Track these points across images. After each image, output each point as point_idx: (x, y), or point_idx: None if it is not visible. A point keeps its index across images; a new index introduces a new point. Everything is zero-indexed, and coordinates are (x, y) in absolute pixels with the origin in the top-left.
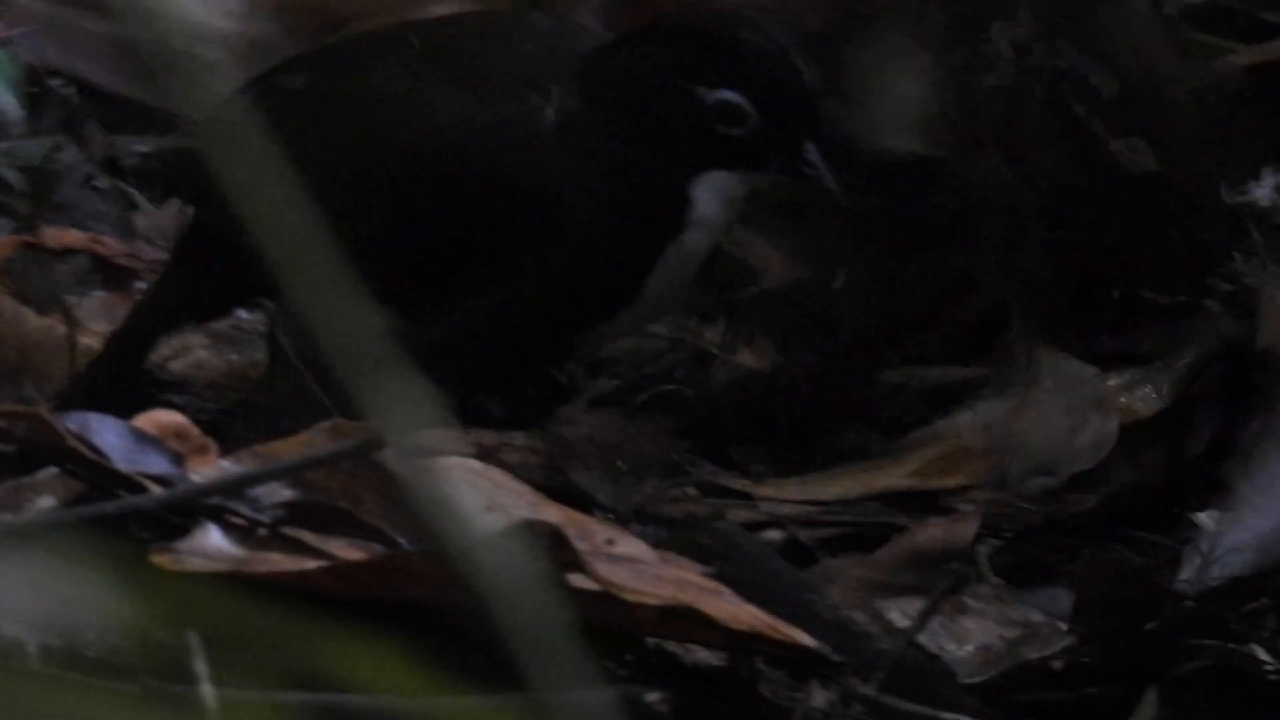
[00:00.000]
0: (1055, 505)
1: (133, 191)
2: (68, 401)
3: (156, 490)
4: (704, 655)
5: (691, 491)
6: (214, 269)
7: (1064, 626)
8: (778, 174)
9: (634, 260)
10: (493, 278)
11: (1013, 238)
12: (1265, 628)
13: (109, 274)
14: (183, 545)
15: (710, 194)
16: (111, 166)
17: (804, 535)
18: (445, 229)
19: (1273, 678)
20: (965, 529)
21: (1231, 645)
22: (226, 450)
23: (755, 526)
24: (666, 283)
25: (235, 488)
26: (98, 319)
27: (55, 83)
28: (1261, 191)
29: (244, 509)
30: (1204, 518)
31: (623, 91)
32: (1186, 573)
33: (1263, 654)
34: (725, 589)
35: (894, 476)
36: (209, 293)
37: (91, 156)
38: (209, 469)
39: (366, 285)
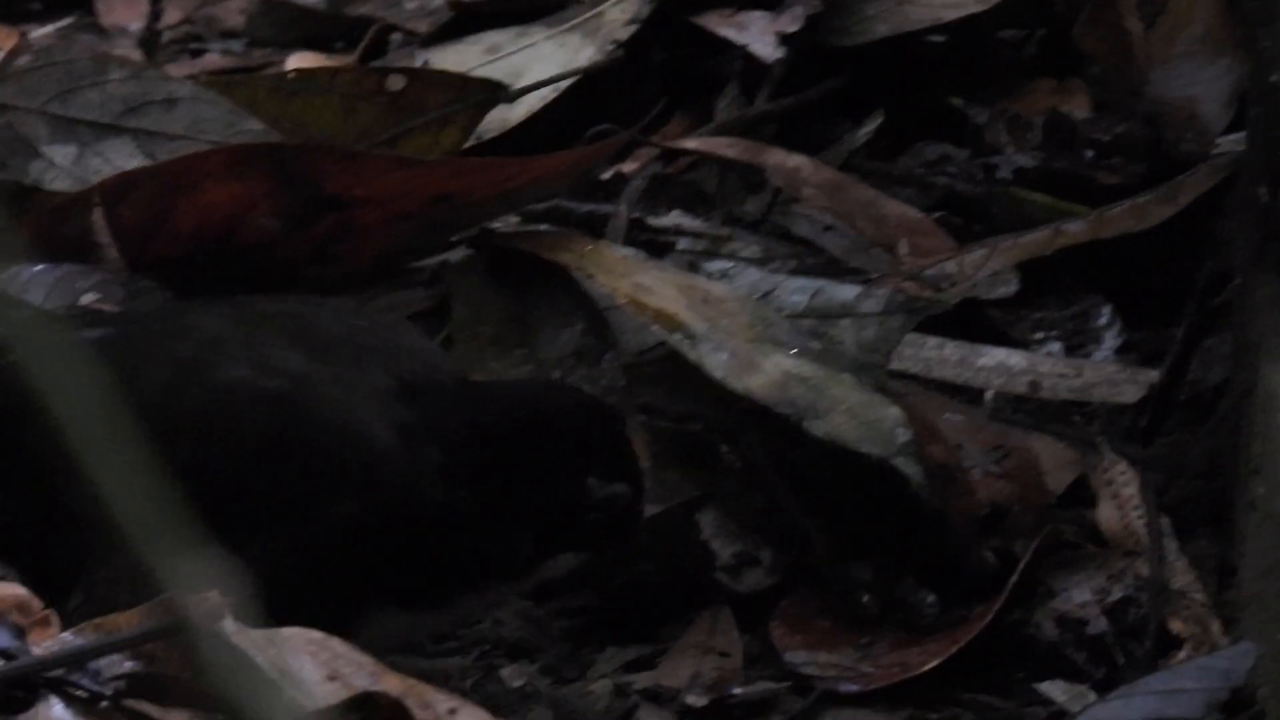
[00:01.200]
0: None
1: None
2: None
3: None
4: None
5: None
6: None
7: None
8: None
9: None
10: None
11: None
12: None
13: None
14: (25, 719)
15: None
16: None
17: None
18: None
19: None
20: None
21: None
22: (68, 623)
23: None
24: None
25: (77, 661)
26: None
27: None
28: None
29: (86, 682)
30: (1050, 687)
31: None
32: None
33: None
34: None
35: None
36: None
37: None
38: (50, 642)
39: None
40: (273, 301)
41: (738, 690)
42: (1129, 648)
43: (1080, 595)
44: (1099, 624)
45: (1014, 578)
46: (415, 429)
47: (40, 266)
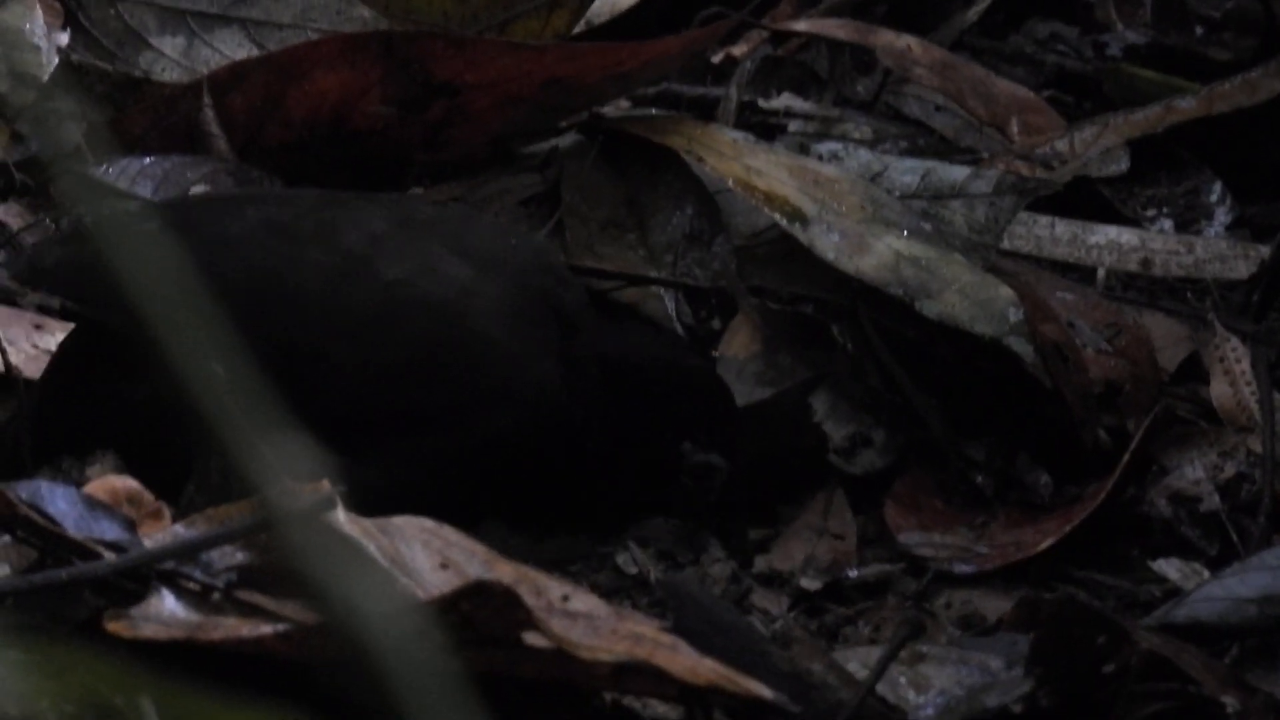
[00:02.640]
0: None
1: None
2: None
3: (109, 556)
4: (662, 710)
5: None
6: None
7: (1022, 672)
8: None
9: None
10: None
11: None
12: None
13: None
14: (137, 611)
15: None
16: None
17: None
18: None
19: None
20: None
21: (1191, 688)
22: (179, 514)
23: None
24: None
25: (188, 552)
26: None
27: None
28: None
29: (198, 574)
30: (1164, 564)
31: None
32: (1151, 618)
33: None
34: (681, 642)
35: None
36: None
37: None
38: (162, 534)
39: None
40: (427, 206)
41: (852, 573)
42: (1242, 524)
43: (1193, 472)
44: (1212, 500)
45: (1126, 456)
46: (563, 358)
47: (149, 159)
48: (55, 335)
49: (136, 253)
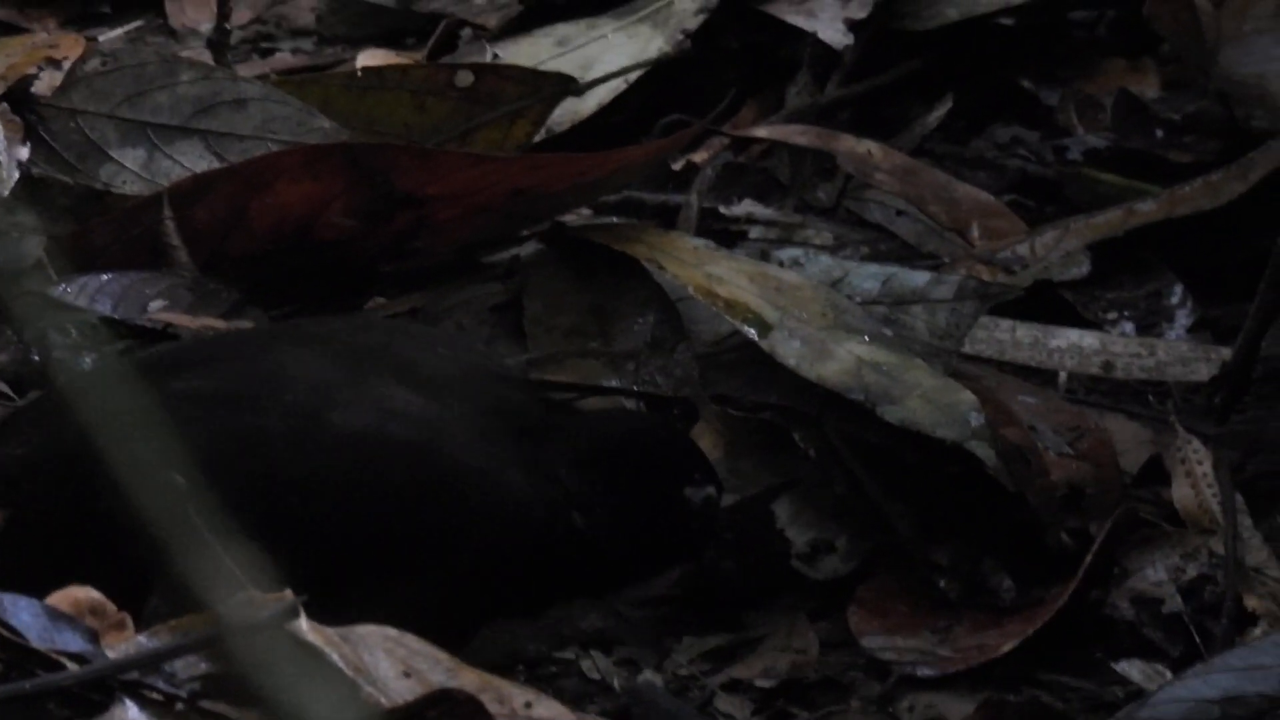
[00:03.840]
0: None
1: None
2: None
3: (73, 668)
4: None
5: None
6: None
7: None
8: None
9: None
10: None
11: None
12: None
13: None
14: None
15: None
16: None
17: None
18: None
19: None
20: None
21: None
22: (143, 625)
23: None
24: None
25: (152, 662)
26: None
27: None
28: None
29: (161, 684)
30: (1127, 666)
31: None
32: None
33: None
34: None
35: None
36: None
37: None
38: (125, 645)
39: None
40: (375, 332)
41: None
42: (1205, 626)
43: (1156, 574)
44: (1175, 602)
45: (1089, 558)
46: (535, 463)
47: (108, 275)
48: None
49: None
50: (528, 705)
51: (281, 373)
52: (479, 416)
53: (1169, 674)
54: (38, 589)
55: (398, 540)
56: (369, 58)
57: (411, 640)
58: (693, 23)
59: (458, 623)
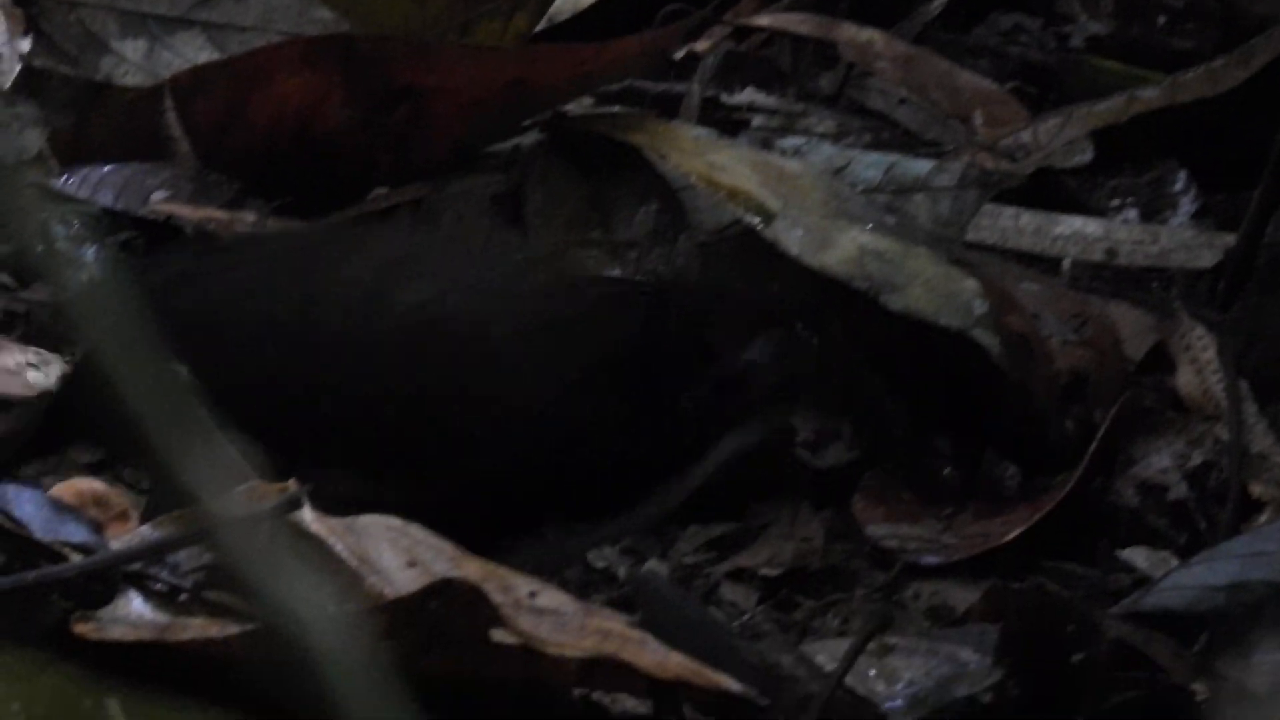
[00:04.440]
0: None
1: None
2: None
3: (77, 559)
4: (631, 705)
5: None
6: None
7: (991, 662)
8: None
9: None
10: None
11: None
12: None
13: None
14: (104, 613)
15: None
16: None
17: None
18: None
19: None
20: None
21: (1160, 677)
22: (147, 516)
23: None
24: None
25: (156, 553)
26: None
27: None
28: None
29: (165, 575)
30: (1132, 554)
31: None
32: (1119, 606)
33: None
34: (650, 638)
35: None
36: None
37: None
38: (129, 535)
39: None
40: (379, 229)
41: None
42: (1210, 512)
43: (1160, 461)
44: (1180, 489)
45: (1094, 445)
46: (586, 347)
47: (109, 167)
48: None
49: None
50: (532, 595)
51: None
52: (535, 302)
53: (1174, 561)
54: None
55: (451, 416)
56: None
57: (415, 530)
58: None
59: (523, 514)
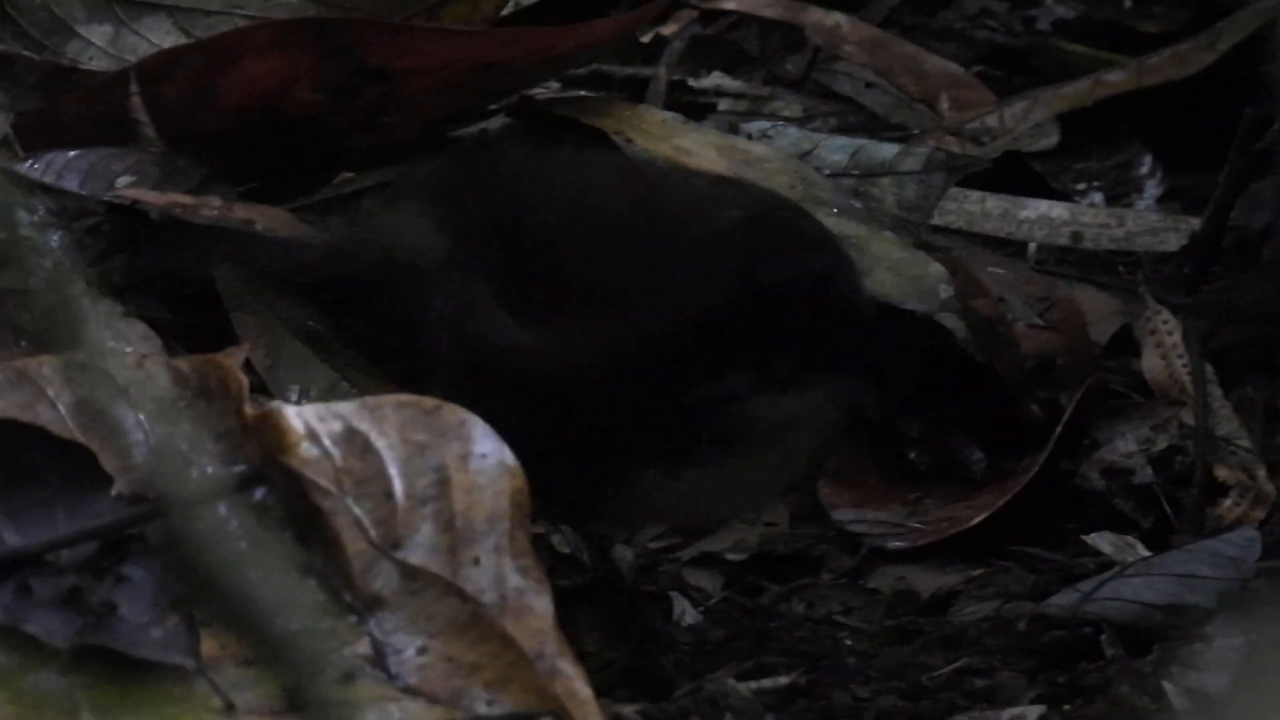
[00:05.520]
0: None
1: None
2: None
3: None
4: None
5: None
6: None
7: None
8: None
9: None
10: None
11: None
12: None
13: None
14: None
15: None
16: None
17: None
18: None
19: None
20: None
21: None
22: None
23: None
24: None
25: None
26: None
27: None
28: None
29: None
30: (1097, 538)
31: None
32: (1065, 598)
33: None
34: None
35: None
36: None
37: None
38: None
39: None
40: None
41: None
42: (1175, 496)
43: (1125, 445)
44: (1145, 473)
45: (1059, 429)
46: None
47: (75, 152)
48: None
49: None
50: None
51: None
52: None
53: (1139, 545)
54: None
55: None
56: None
57: None
58: None
59: None
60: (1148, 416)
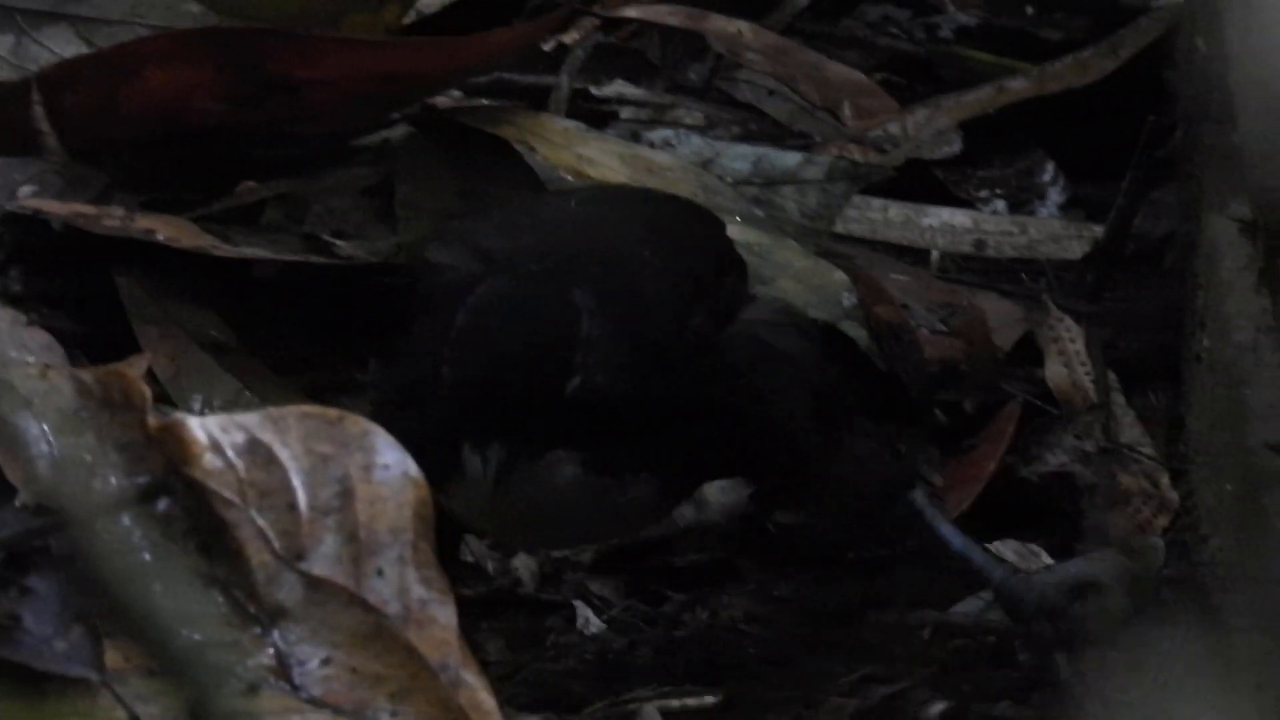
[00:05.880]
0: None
1: None
2: None
3: None
4: None
5: None
6: None
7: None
8: None
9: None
10: None
11: None
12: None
13: None
14: None
15: None
16: None
17: None
18: None
19: None
20: None
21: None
22: None
23: None
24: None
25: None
26: None
27: None
28: None
29: None
30: (1001, 546)
31: None
32: (969, 605)
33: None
34: None
35: None
36: None
37: None
38: None
39: None
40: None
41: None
42: (1079, 505)
43: (1043, 452)
44: (1048, 482)
45: (1004, 445)
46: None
47: None
48: None
49: None
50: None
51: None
52: None
53: (1044, 554)
54: None
55: None
56: None
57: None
58: None
59: None
60: (1056, 423)
